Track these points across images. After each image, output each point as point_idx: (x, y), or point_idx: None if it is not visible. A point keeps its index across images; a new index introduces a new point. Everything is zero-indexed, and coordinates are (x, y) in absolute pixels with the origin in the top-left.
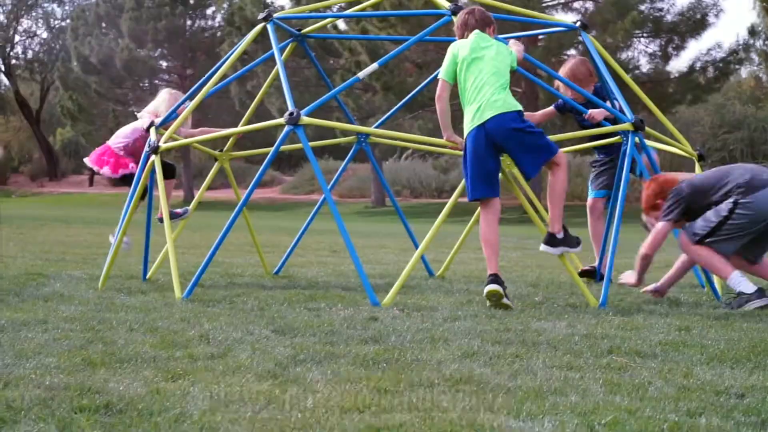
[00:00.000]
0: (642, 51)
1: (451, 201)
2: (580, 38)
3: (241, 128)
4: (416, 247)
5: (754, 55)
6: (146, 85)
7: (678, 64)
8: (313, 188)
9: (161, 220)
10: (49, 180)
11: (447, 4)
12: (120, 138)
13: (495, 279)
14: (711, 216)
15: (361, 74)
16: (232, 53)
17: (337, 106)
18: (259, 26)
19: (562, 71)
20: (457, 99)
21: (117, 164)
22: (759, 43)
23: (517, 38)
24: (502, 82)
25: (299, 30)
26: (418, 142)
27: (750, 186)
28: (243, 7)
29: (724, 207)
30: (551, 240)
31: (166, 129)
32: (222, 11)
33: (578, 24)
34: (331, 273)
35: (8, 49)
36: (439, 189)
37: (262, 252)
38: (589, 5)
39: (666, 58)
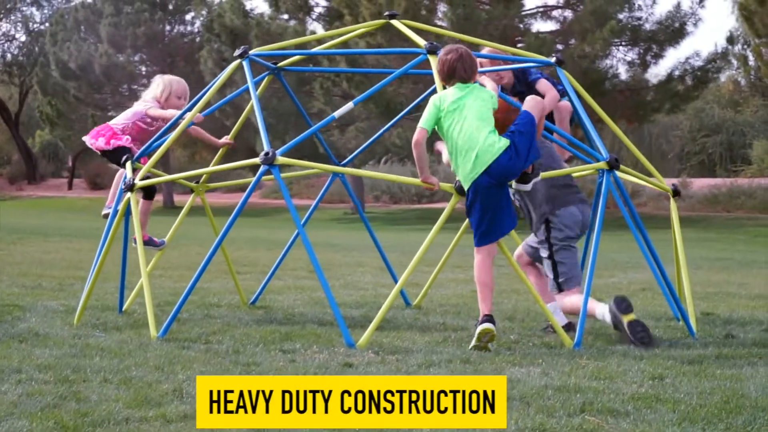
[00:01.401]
0: (621, 59)
1: (435, 228)
2: (556, 46)
3: (215, 167)
4: (391, 273)
5: (732, 59)
6: (125, 90)
7: (657, 72)
8: (291, 192)
9: (135, 241)
10: (28, 183)
11: (423, 42)
12: (120, 119)
13: (490, 318)
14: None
15: (337, 113)
16: (209, 87)
17: (315, 114)
18: (235, 63)
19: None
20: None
21: (111, 137)
22: (738, 47)
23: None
24: (490, 128)
25: (275, 63)
26: (393, 181)
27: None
28: (222, 14)
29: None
30: None
31: (144, 163)
32: (201, 17)
33: (554, 60)
34: (308, 301)
35: None
36: (418, 194)
37: (239, 281)
38: (568, 14)
39: (644, 66)
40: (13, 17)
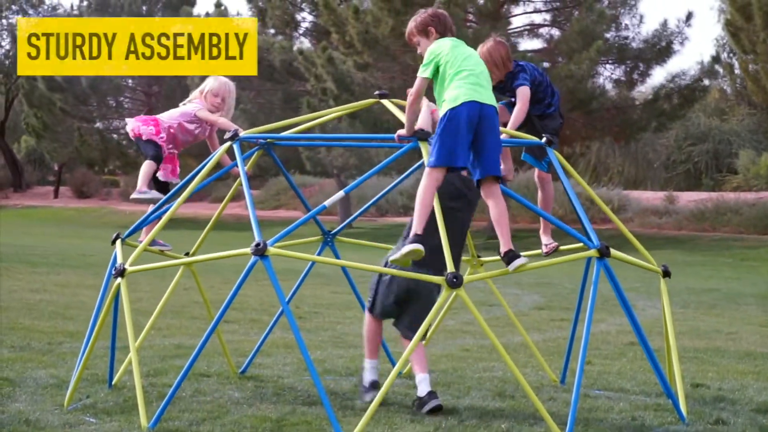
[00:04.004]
0: (607, 77)
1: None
2: (543, 64)
3: (206, 256)
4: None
5: (718, 68)
6: (112, 102)
7: (643, 90)
8: (279, 203)
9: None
10: (14, 191)
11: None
12: (166, 117)
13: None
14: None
15: (327, 202)
16: (203, 166)
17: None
18: (226, 145)
19: (479, 51)
20: None
21: (154, 128)
22: (724, 56)
23: None
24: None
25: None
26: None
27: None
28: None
29: None
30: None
31: (139, 241)
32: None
33: (544, 140)
34: (298, 367)
35: None
36: (405, 206)
37: (227, 347)
38: (555, 32)
39: (631, 84)
40: None
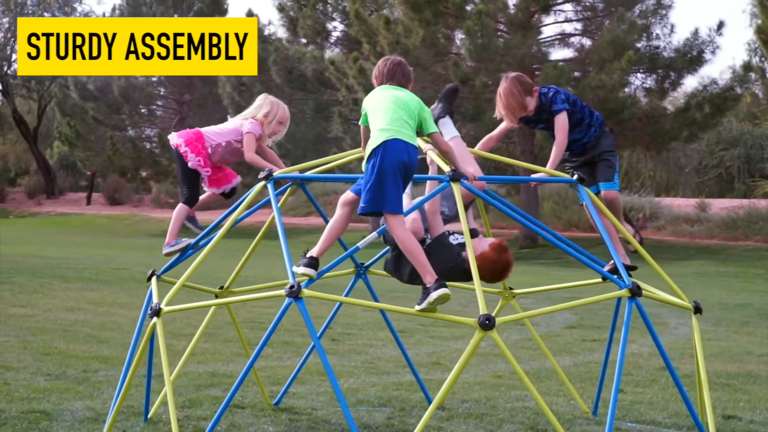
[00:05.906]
0: (639, 87)
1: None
2: (574, 74)
3: (240, 297)
4: (405, 356)
5: (751, 74)
6: (144, 111)
7: (675, 99)
8: (310, 210)
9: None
10: (47, 197)
11: (446, 168)
12: (214, 134)
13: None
14: None
15: (360, 243)
16: (238, 205)
17: (333, 139)
18: (260, 185)
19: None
20: None
21: (202, 160)
22: (755, 60)
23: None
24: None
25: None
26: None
27: None
28: None
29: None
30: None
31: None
32: None
33: (576, 177)
34: (331, 397)
35: (5, 68)
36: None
37: (261, 379)
38: (586, 42)
39: (662, 93)
40: None
